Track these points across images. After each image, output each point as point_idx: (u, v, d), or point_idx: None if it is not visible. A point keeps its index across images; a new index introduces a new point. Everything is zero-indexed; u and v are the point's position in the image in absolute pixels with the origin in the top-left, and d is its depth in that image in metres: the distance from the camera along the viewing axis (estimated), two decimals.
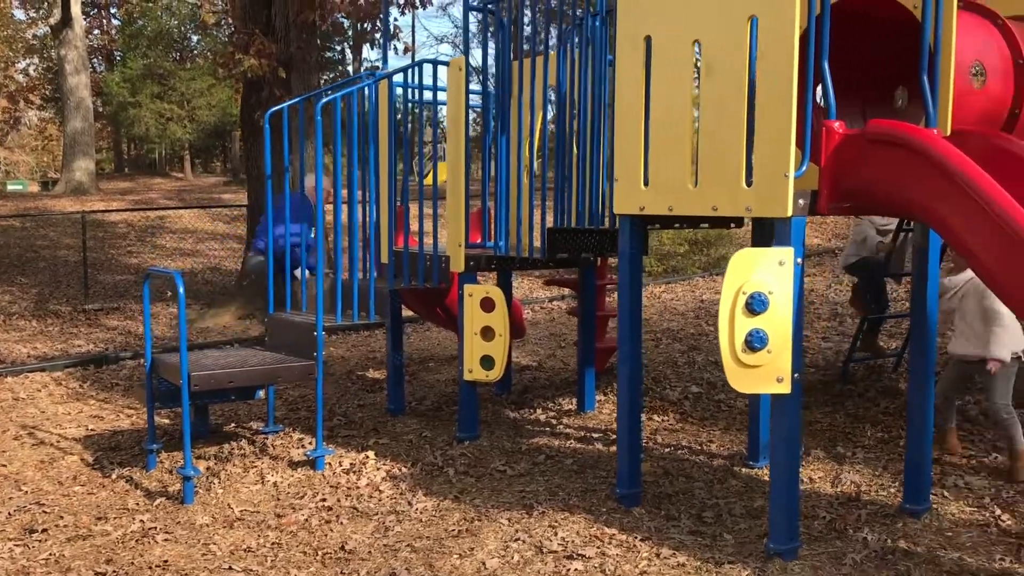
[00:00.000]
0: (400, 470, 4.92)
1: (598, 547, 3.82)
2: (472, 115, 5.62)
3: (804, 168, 3.61)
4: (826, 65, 3.60)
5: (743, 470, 4.78)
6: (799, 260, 3.57)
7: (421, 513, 4.30)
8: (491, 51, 5.42)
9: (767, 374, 3.55)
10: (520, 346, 8.09)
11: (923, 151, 3.35)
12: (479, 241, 5.48)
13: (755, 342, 3.49)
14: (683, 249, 13.24)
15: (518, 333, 7.19)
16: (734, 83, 3.67)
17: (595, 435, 5.49)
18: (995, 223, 3.15)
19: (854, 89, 4.82)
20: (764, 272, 3.51)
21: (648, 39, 4.02)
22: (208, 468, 5.00)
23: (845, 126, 3.66)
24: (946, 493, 4.35)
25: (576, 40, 5.14)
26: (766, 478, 4.56)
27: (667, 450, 5.16)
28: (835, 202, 3.65)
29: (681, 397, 6.29)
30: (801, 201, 3.56)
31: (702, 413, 5.92)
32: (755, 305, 3.49)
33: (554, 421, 5.81)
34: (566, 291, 10.88)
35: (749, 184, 3.67)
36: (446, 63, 5.28)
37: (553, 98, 5.49)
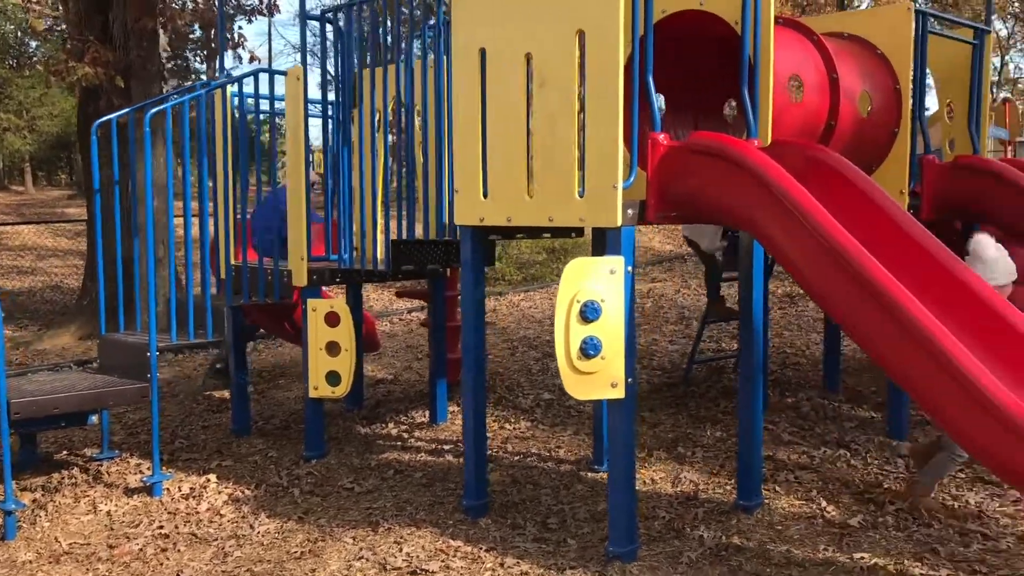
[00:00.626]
0: (243, 493, 4.76)
1: (443, 561, 3.80)
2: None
3: (632, 179, 3.71)
4: (650, 80, 3.71)
5: (589, 474, 4.87)
6: (629, 268, 3.66)
7: (263, 536, 4.18)
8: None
9: (602, 380, 3.62)
10: (376, 359, 8.00)
11: (740, 162, 3.49)
12: (323, 254, 5.38)
13: (589, 349, 3.55)
14: (541, 258, 13.43)
15: (372, 347, 7.11)
16: (565, 96, 3.74)
17: (446, 447, 5.47)
18: (809, 233, 3.31)
19: (691, 103, 5.01)
20: (596, 281, 3.58)
21: (483, 51, 4.04)
22: (34, 500, 4.71)
23: (671, 138, 3.78)
24: (778, 488, 4.55)
25: (417, 50, 5.13)
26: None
27: (517, 458, 5.19)
28: (663, 211, 3.76)
29: (533, 404, 6.36)
30: (630, 211, 3.66)
31: (552, 420, 6.00)
32: (588, 313, 3.55)
33: (406, 435, 5.76)
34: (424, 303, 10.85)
35: (581, 195, 3.74)
36: (284, 72, 5.17)
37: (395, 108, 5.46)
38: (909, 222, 3.62)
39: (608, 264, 3.60)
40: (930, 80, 5.68)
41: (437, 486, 4.76)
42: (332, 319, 5.05)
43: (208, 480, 4.91)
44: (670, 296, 10.78)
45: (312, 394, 5.12)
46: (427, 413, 6.10)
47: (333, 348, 5.07)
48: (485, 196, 4.11)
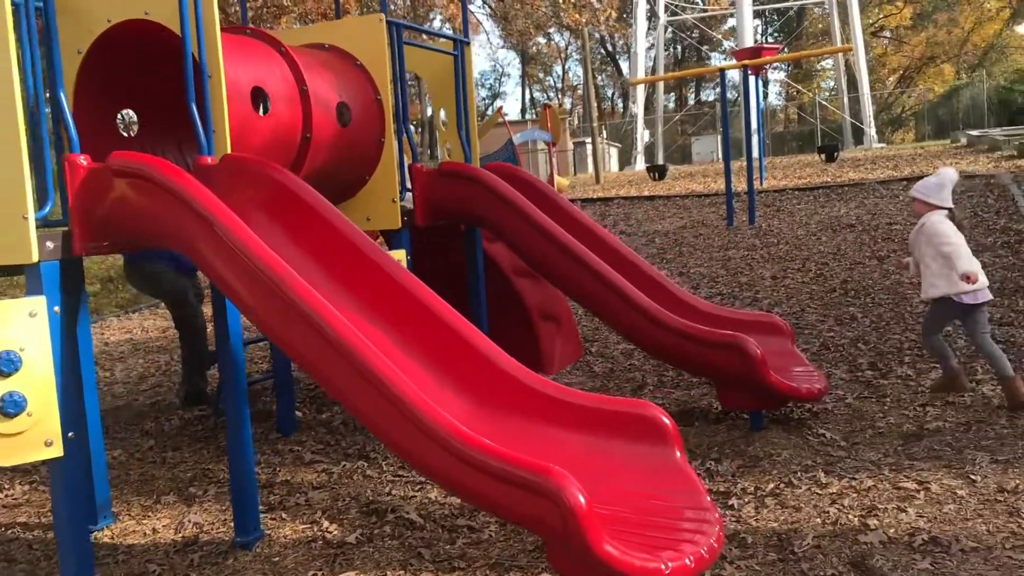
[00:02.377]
0: None
1: None
2: None
3: (48, 208, 3.30)
4: (62, 95, 3.32)
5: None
6: (56, 308, 3.24)
7: None
8: None
9: (32, 440, 3.17)
10: None
11: (163, 183, 3.23)
12: None
13: (9, 407, 3.08)
14: (94, 288, 12.24)
15: None
16: None
17: None
18: (237, 256, 3.13)
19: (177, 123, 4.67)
20: (13, 327, 3.12)
21: None
22: None
23: (92, 159, 3.42)
24: (284, 515, 4.38)
25: None
26: (105, 540, 4.19)
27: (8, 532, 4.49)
28: (93, 241, 3.40)
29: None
30: (51, 244, 3.24)
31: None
32: (3, 365, 3.07)
33: None
34: None
35: None
36: None
37: None
38: (357, 236, 3.61)
39: (27, 306, 3.15)
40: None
41: None
42: None
43: None
44: None
45: None
46: None
47: None
48: None
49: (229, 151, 3.94)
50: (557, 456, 3.04)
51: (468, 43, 5.93)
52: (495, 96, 65.17)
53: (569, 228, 5.42)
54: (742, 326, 5.23)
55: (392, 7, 23.76)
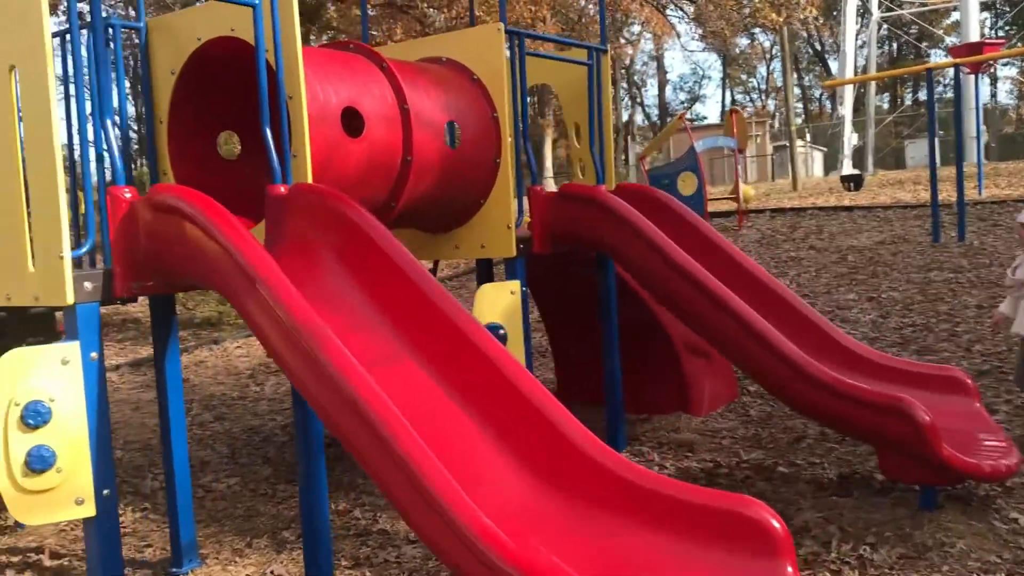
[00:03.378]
0: None
1: None
2: None
3: (87, 246, 3.06)
4: (109, 123, 3.07)
5: None
6: (94, 355, 2.99)
7: None
8: None
9: (61, 498, 2.93)
10: None
11: (195, 217, 2.90)
12: None
13: (35, 463, 2.86)
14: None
15: None
16: (3, 145, 3.04)
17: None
18: (281, 321, 2.75)
19: None
20: (43, 376, 2.89)
21: None
22: None
23: (137, 192, 3.15)
24: (368, 572, 4.00)
25: None
26: None
27: None
28: (136, 281, 3.13)
29: (160, 487, 5.56)
30: (89, 284, 3.00)
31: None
32: (30, 417, 2.85)
33: None
34: None
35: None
36: None
37: None
38: (428, 284, 3.16)
39: (59, 354, 2.92)
40: None
41: None
42: None
43: None
44: None
45: None
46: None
47: None
48: None
49: (310, 178, 3.61)
50: (625, 560, 2.45)
51: (605, 51, 5.36)
52: (694, 100, 63.57)
53: (709, 259, 4.74)
54: (914, 381, 4.36)
55: (578, 17, 23.11)
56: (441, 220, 4.79)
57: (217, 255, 2.82)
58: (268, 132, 3.53)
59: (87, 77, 3.22)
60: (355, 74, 4.12)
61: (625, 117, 57.68)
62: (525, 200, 4.85)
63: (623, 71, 57.10)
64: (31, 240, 3.03)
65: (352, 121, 4.05)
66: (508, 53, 4.81)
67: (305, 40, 15.08)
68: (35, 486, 2.87)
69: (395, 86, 4.22)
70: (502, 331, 4.55)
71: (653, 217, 4.80)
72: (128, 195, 3.08)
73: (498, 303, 4.58)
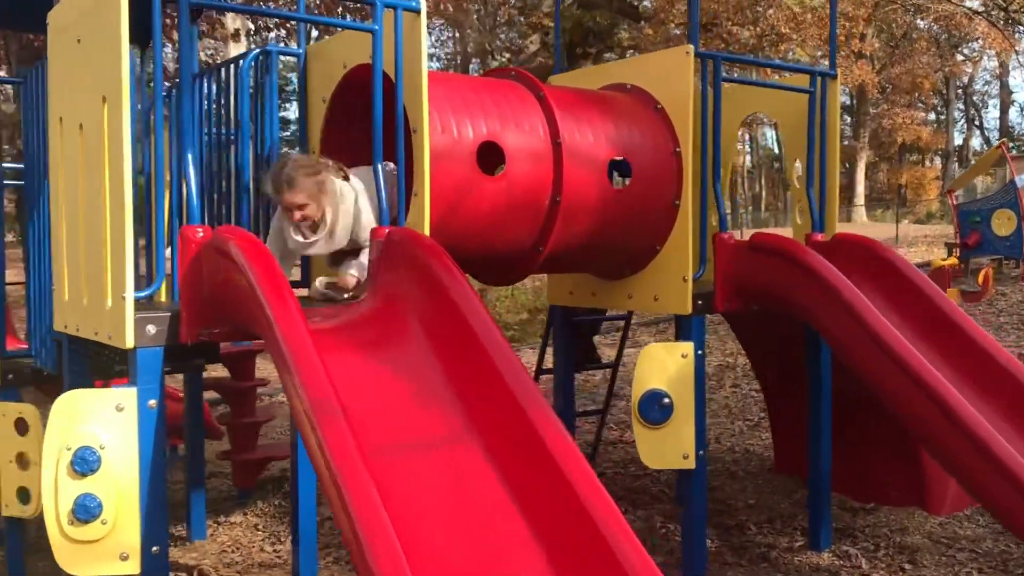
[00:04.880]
0: None
1: None
2: None
3: (156, 287, 2.89)
4: (188, 158, 2.89)
5: None
6: (152, 403, 2.82)
7: None
8: None
9: (106, 550, 2.78)
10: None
11: (249, 276, 2.60)
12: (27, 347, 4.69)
13: (79, 512, 2.72)
14: (522, 317, 12.51)
15: (214, 434, 6.47)
16: (97, 179, 2.96)
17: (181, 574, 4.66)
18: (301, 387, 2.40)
19: None
20: (95, 421, 2.76)
21: (61, 121, 3.31)
22: None
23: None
24: None
25: None
26: None
27: None
28: (203, 327, 2.91)
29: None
30: (152, 328, 2.83)
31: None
32: (78, 465, 2.72)
33: None
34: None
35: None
36: None
37: None
38: (494, 342, 2.64)
39: (114, 399, 2.77)
40: None
41: None
42: (22, 426, 4.35)
43: None
44: None
45: (4, 512, 4.42)
46: (184, 527, 5.29)
47: (23, 460, 4.37)
48: (67, 297, 3.33)
49: (426, 220, 3.24)
50: None
51: (834, 76, 4.50)
52: None
53: (935, 336, 3.78)
54: None
55: (903, 32, 21.01)
56: (609, 266, 4.23)
57: (257, 314, 2.52)
58: (379, 168, 3.21)
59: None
60: (501, 105, 3.69)
61: (959, 140, 52.30)
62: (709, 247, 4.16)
63: (959, 90, 51.89)
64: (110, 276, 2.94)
65: (491, 157, 3.63)
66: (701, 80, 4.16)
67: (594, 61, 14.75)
68: (80, 536, 2.75)
69: (550, 118, 3.74)
70: (666, 399, 3.92)
71: (868, 279, 3.92)
72: (200, 235, 2.88)
73: (666, 367, 3.95)
